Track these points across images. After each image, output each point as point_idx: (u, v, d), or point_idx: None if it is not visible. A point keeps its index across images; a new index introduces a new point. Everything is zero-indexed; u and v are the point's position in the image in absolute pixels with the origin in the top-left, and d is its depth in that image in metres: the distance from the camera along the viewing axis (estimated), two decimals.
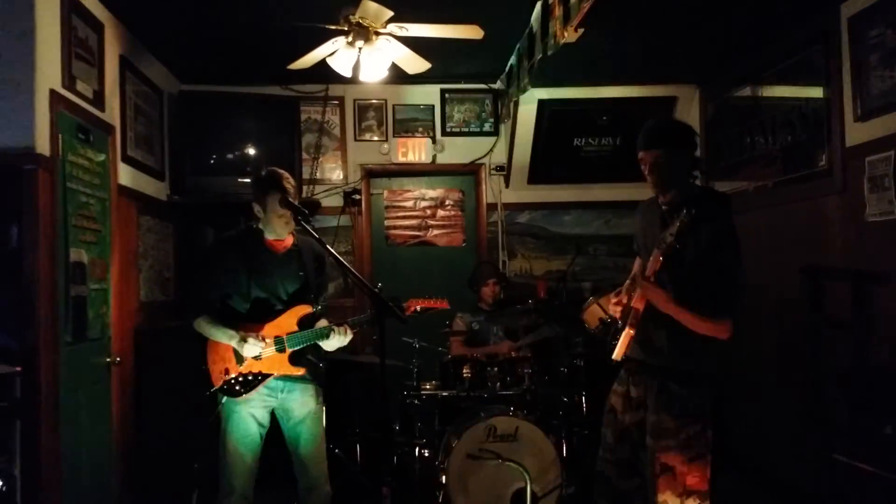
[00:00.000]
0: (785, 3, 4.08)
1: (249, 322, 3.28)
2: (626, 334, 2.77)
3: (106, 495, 4.01)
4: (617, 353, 2.81)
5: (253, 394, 3.26)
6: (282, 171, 3.34)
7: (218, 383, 3.28)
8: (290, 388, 3.35)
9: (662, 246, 2.71)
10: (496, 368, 4.44)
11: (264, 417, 3.34)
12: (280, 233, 3.37)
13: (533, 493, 3.73)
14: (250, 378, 3.25)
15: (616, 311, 2.92)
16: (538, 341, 4.79)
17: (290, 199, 3.24)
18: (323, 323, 3.37)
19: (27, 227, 3.29)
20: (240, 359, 3.25)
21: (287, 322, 3.31)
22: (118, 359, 4.10)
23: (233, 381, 3.25)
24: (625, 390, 2.99)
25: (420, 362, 4.65)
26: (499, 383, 4.40)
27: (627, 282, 2.94)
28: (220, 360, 3.29)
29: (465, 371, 4.41)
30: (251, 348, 3.19)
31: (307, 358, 3.36)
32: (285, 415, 3.38)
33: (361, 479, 4.56)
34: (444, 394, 4.43)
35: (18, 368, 3.17)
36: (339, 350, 4.01)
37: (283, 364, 3.28)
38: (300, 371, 3.32)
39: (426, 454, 4.37)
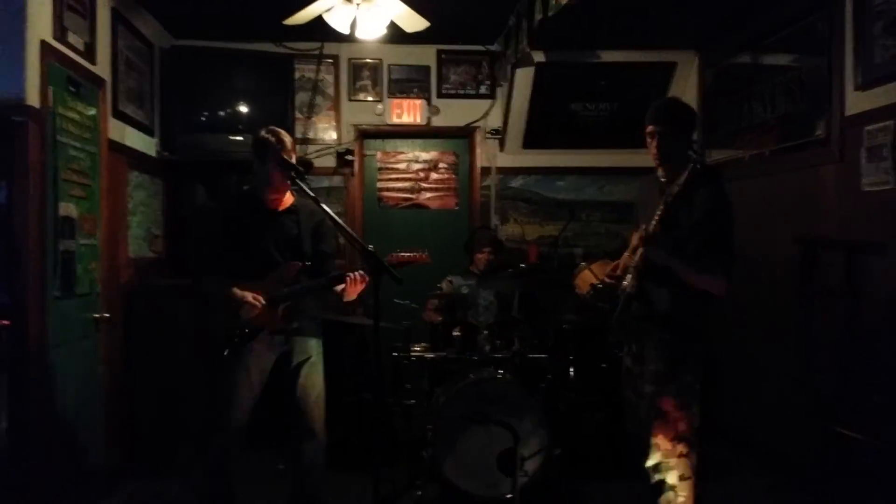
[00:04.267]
0: None
1: (245, 279, 3.34)
2: (631, 281, 3.03)
3: (93, 450, 4.02)
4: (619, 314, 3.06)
5: (252, 345, 3.36)
6: (280, 130, 3.41)
7: (222, 337, 3.39)
8: (289, 341, 3.46)
9: (668, 199, 2.89)
10: (486, 332, 4.45)
11: (268, 363, 3.43)
12: (279, 188, 3.41)
13: (520, 454, 3.75)
14: (248, 332, 3.34)
15: (611, 281, 3.16)
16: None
17: (285, 157, 3.23)
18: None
19: (16, 180, 3.26)
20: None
21: (279, 278, 3.38)
22: (106, 315, 4.08)
23: (232, 335, 3.36)
24: (630, 349, 3.20)
25: (410, 324, 4.65)
26: (488, 346, 4.40)
27: (626, 254, 3.16)
28: (221, 315, 3.39)
29: (455, 333, 4.41)
30: (247, 310, 3.30)
31: (301, 312, 3.45)
32: (286, 364, 3.48)
33: (350, 438, 4.58)
34: (434, 355, 4.44)
35: (6, 322, 3.15)
36: (331, 310, 4.03)
37: (275, 319, 3.36)
38: (293, 325, 3.41)
39: (414, 415, 4.38)
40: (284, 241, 3.44)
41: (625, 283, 3.07)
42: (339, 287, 3.35)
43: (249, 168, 3.47)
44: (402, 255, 3.35)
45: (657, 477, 2.95)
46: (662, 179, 3.09)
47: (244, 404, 3.38)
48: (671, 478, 2.91)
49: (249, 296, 3.29)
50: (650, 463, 2.97)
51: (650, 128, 3.07)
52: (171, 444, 4.49)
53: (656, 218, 2.91)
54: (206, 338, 3.52)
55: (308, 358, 3.48)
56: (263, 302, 3.30)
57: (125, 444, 4.41)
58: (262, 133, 3.39)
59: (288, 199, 3.50)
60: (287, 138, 3.38)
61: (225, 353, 3.36)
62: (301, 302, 3.44)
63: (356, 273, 3.31)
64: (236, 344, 3.34)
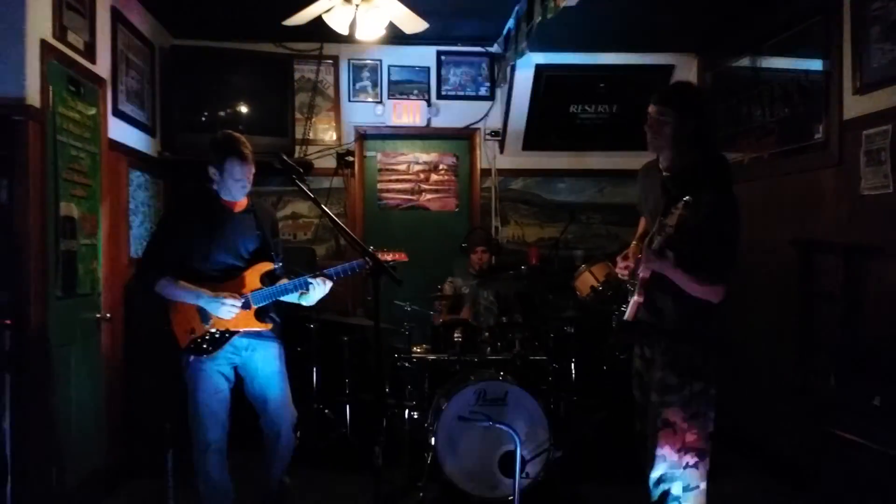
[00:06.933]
0: None
1: (211, 281, 3.28)
2: (635, 302, 2.89)
3: (95, 449, 4.01)
4: (628, 315, 2.93)
5: (220, 351, 3.28)
6: (238, 135, 3.33)
7: (184, 343, 3.29)
8: (254, 347, 3.37)
9: (663, 234, 2.71)
10: (487, 333, 4.46)
11: (230, 374, 3.37)
12: (236, 196, 3.36)
13: (521, 456, 3.76)
14: (217, 336, 3.27)
15: (624, 273, 3.04)
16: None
17: (285, 159, 3.22)
18: (283, 281, 3.37)
19: (17, 180, 3.25)
20: (205, 317, 3.26)
21: (250, 279, 3.32)
22: (108, 314, 4.08)
23: (199, 340, 3.27)
24: (641, 352, 3.11)
25: (411, 325, 4.66)
26: (489, 348, 4.42)
27: (634, 243, 3.09)
28: (184, 321, 3.29)
29: (455, 335, 4.42)
30: (228, 310, 3.20)
31: (270, 315, 3.40)
32: (248, 374, 3.41)
33: (351, 439, 4.59)
34: (435, 357, 4.45)
35: (8, 321, 3.15)
36: (331, 311, 3.99)
37: (249, 320, 3.30)
38: (266, 326, 3.34)
39: (415, 416, 4.39)
40: (250, 241, 3.38)
41: (631, 287, 2.98)
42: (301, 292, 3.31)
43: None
44: (384, 256, 3.27)
45: (662, 487, 2.88)
46: (666, 174, 2.94)
47: (221, 422, 3.31)
48: (676, 488, 2.86)
49: (229, 298, 3.20)
50: (654, 475, 2.88)
51: (652, 108, 2.90)
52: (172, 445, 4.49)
53: (671, 228, 2.70)
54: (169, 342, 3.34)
55: (274, 368, 3.41)
56: (240, 304, 3.22)
57: (127, 443, 4.40)
58: (227, 133, 3.35)
59: (245, 199, 3.42)
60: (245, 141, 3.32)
61: (190, 360, 3.27)
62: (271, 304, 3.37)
63: (321, 278, 3.27)
64: (204, 350, 3.25)
